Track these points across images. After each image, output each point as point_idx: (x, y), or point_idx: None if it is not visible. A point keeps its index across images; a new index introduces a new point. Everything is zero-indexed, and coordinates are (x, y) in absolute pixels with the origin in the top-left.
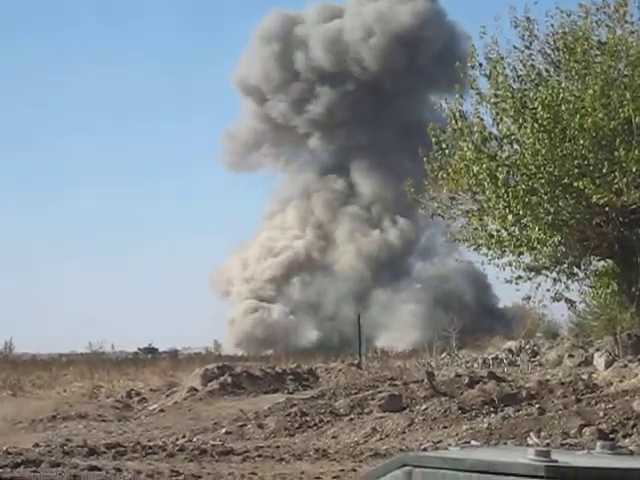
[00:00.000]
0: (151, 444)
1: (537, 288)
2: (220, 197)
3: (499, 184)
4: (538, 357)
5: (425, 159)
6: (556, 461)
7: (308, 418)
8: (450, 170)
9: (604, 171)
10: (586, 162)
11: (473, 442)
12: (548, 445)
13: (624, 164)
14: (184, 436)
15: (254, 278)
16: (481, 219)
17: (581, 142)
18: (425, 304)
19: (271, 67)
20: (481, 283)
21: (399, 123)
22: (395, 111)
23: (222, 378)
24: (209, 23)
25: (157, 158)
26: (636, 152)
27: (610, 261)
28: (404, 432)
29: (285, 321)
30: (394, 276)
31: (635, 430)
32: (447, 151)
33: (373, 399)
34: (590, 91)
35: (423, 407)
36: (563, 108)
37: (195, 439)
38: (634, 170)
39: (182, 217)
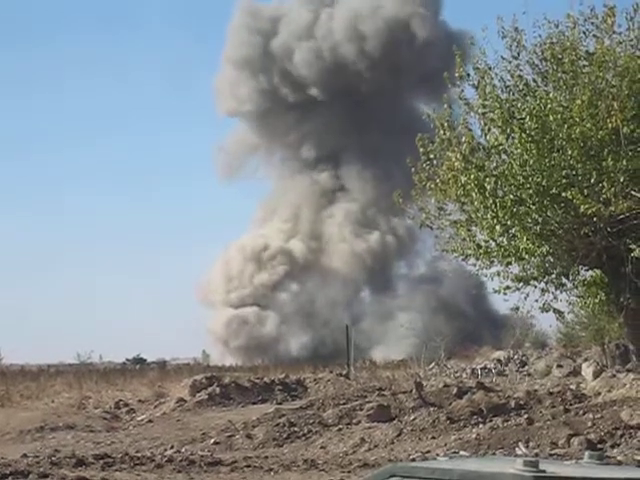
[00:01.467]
0: (139, 455)
1: (525, 298)
2: (217, 207)
3: (487, 194)
4: (526, 367)
5: (413, 169)
6: (544, 471)
7: (297, 428)
8: (438, 180)
9: (592, 181)
10: (574, 172)
11: (462, 452)
12: (536, 455)
13: (612, 174)
14: (172, 447)
15: (242, 284)
16: (469, 229)
17: (569, 152)
18: (422, 311)
19: (258, 98)
20: (479, 289)
21: (393, 127)
22: (390, 117)
23: (210, 389)
24: (210, 32)
25: (153, 168)
26: (624, 162)
27: (598, 271)
28: (393, 442)
29: (275, 329)
30: (389, 280)
31: (623, 440)
32: (435, 161)
33: (362, 409)
34: (578, 101)
35: (411, 417)
36: (551, 118)
37: (183, 450)
38: (622, 180)
39: (174, 227)
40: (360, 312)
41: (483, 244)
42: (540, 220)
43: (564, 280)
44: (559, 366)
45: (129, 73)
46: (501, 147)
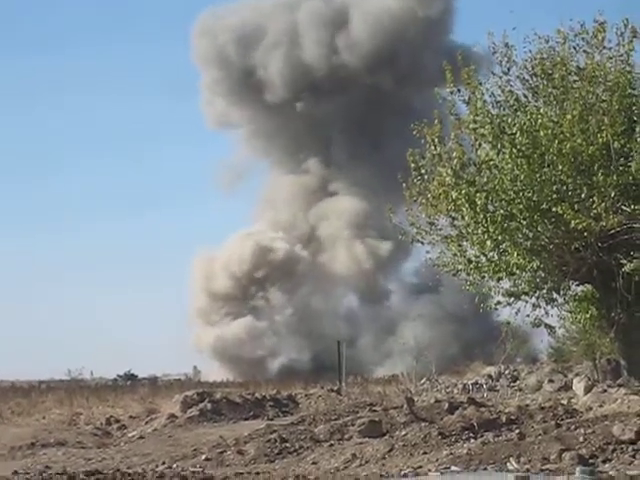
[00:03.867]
0: (131, 471)
1: (517, 313)
2: (213, 222)
3: (478, 210)
4: (518, 382)
5: (404, 185)
6: None
7: (288, 444)
8: (429, 195)
9: (583, 196)
10: (565, 187)
11: (453, 467)
12: (528, 470)
13: (603, 189)
14: (164, 463)
15: (233, 295)
16: (460, 245)
17: (560, 167)
18: (425, 323)
19: (249, 117)
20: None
21: (393, 125)
22: (389, 116)
23: (202, 405)
24: None
25: (150, 189)
26: (614, 177)
27: (589, 286)
28: (384, 458)
29: (269, 343)
30: (387, 288)
31: (615, 455)
32: (426, 177)
33: (353, 425)
34: (568, 116)
35: (403, 433)
36: (542, 133)
37: (175, 466)
38: (612, 195)
39: (166, 242)
40: (359, 323)
41: (474, 259)
42: (531, 235)
43: (555, 295)
44: (550, 381)
45: (129, 88)
46: (492, 162)
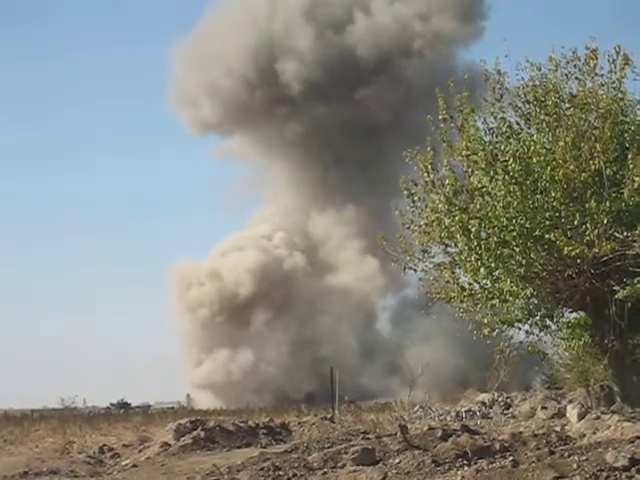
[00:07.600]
0: None
1: (510, 340)
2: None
3: (471, 236)
4: (511, 409)
5: (397, 212)
6: None
7: (281, 472)
8: (422, 223)
9: (575, 223)
10: (557, 214)
11: None
12: None
13: (595, 216)
14: None
15: (231, 316)
16: (453, 272)
17: (552, 194)
18: (425, 347)
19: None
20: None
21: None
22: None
23: (195, 433)
24: None
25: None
26: (607, 204)
27: (582, 313)
28: None
29: (265, 370)
30: (388, 311)
31: None
32: (419, 204)
33: (346, 453)
34: (561, 143)
35: (396, 460)
36: (534, 160)
37: None
38: (605, 222)
39: (161, 267)
40: (357, 347)
41: (467, 286)
42: (524, 262)
43: (548, 322)
44: (543, 408)
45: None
46: (484, 189)
